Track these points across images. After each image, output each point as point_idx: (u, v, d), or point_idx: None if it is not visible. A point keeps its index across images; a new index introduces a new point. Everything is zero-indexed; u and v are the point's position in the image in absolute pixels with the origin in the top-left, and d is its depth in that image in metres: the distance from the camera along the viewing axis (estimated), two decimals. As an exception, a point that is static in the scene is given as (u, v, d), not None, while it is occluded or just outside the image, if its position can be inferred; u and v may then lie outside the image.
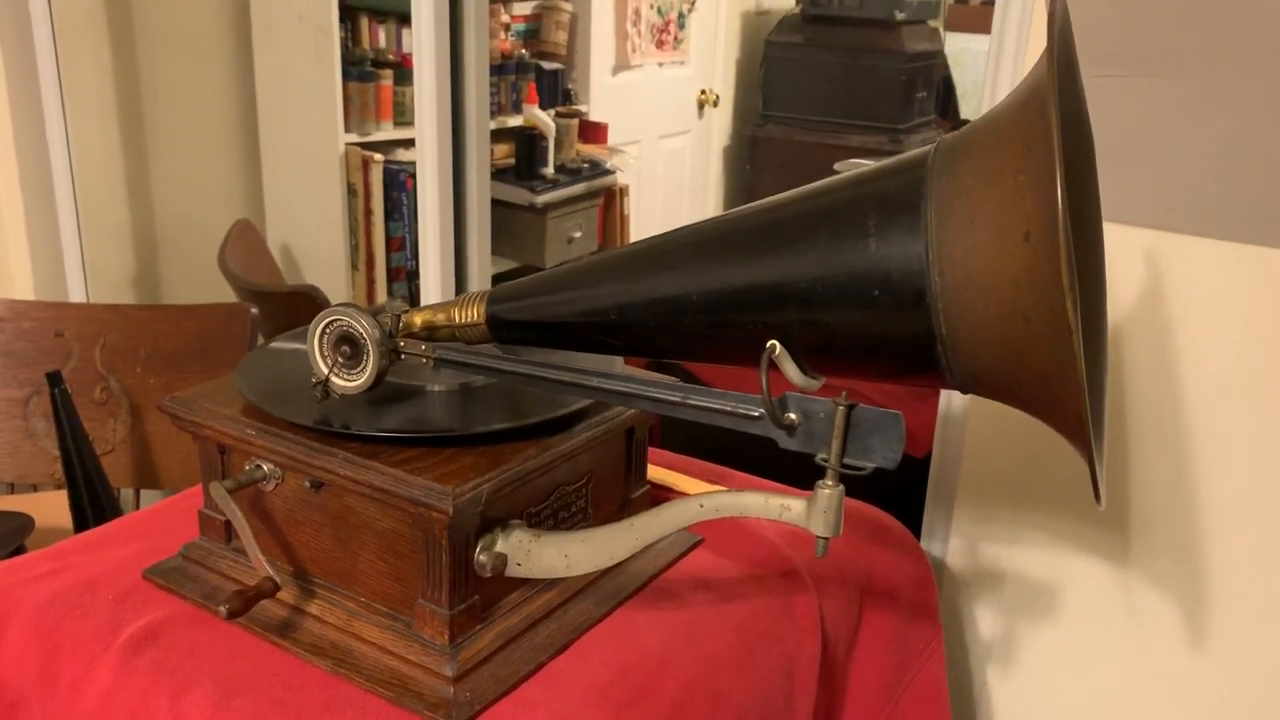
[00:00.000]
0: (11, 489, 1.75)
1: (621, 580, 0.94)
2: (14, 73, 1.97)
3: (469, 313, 0.84)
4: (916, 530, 1.28)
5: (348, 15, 2.53)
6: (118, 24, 2.30)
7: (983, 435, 1.24)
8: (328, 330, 0.84)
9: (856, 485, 1.09)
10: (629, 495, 0.99)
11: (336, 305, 0.84)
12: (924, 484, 1.32)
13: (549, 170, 2.98)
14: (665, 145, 3.68)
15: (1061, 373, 0.58)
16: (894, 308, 0.64)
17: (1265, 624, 1.11)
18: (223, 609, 0.78)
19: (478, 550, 0.80)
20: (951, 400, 1.26)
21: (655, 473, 1.09)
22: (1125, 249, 1.08)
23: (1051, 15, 0.62)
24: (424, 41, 1.69)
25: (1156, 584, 1.16)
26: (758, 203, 0.75)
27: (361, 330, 0.82)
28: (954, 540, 1.29)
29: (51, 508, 1.58)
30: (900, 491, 1.30)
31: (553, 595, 0.88)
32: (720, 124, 3.94)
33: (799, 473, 0.79)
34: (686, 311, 0.74)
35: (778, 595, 0.96)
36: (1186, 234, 1.06)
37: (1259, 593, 1.10)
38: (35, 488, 1.76)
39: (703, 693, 0.84)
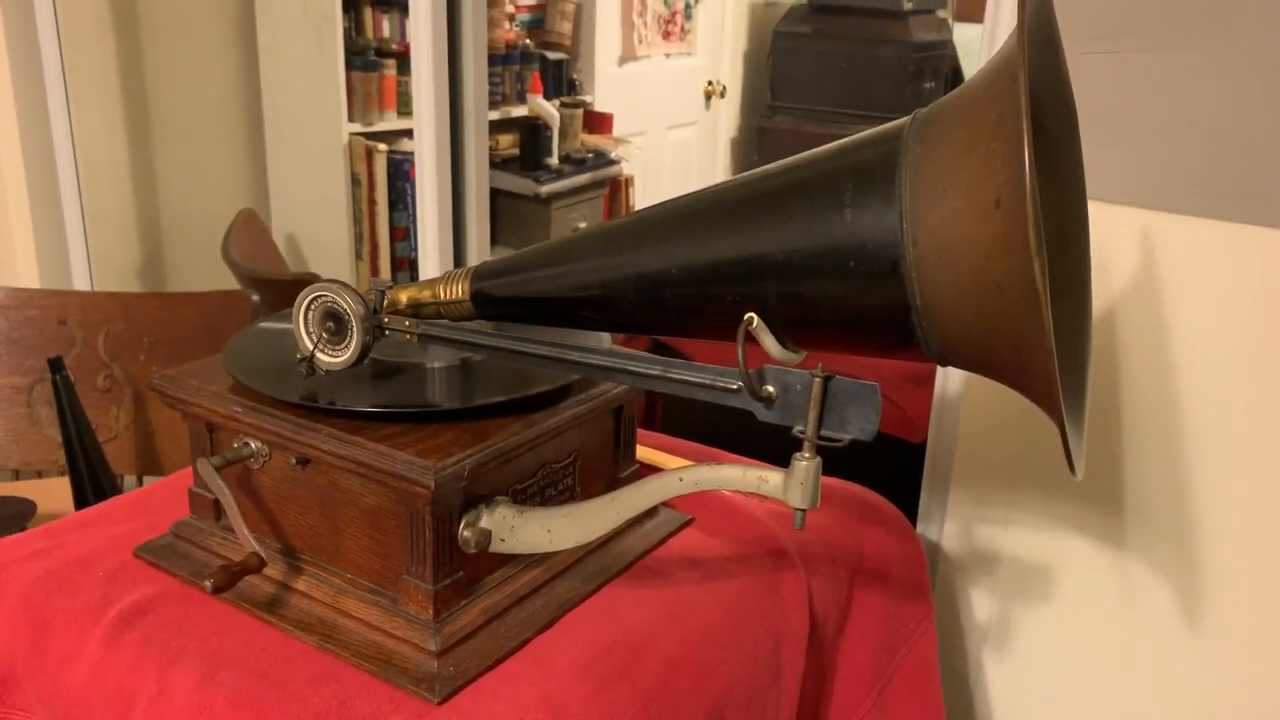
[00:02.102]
0: (16, 475, 1.76)
1: (609, 558, 0.94)
2: (18, 61, 1.98)
3: (454, 289, 0.85)
4: (914, 515, 1.28)
5: (351, 5, 2.55)
6: (122, 13, 2.31)
7: (978, 418, 1.24)
8: (312, 306, 0.84)
9: (853, 469, 1.09)
10: (617, 475, 0.99)
11: (322, 281, 0.84)
12: (922, 469, 1.32)
13: (553, 160, 2.99)
14: (672, 136, 3.68)
15: (1033, 341, 0.58)
16: (869, 278, 0.64)
17: (1259, 605, 1.10)
18: (208, 583, 0.79)
19: (462, 526, 0.80)
20: (947, 384, 1.26)
21: (646, 454, 1.10)
22: (1118, 229, 1.08)
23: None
24: (421, 30, 1.69)
25: (1151, 565, 1.15)
26: (739, 176, 0.75)
27: (345, 306, 0.83)
28: (950, 523, 1.29)
29: (55, 494, 1.59)
30: (898, 476, 1.30)
31: (539, 572, 0.88)
32: (728, 115, 3.94)
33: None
34: (667, 285, 0.74)
35: (766, 574, 0.96)
36: (1179, 214, 1.05)
37: (1253, 574, 1.10)
38: (40, 474, 1.78)
39: (688, 668, 0.84)
